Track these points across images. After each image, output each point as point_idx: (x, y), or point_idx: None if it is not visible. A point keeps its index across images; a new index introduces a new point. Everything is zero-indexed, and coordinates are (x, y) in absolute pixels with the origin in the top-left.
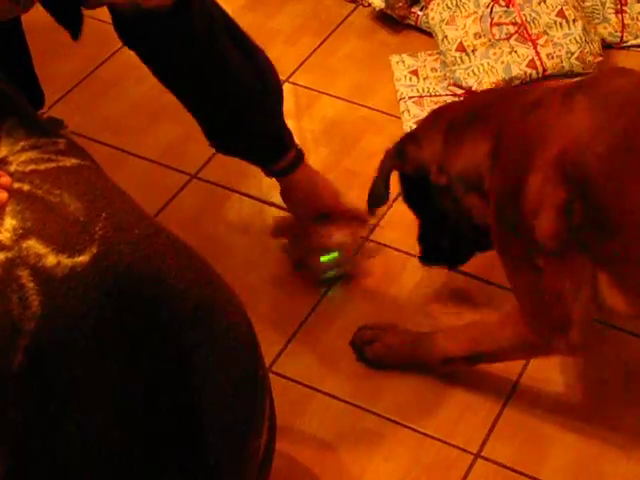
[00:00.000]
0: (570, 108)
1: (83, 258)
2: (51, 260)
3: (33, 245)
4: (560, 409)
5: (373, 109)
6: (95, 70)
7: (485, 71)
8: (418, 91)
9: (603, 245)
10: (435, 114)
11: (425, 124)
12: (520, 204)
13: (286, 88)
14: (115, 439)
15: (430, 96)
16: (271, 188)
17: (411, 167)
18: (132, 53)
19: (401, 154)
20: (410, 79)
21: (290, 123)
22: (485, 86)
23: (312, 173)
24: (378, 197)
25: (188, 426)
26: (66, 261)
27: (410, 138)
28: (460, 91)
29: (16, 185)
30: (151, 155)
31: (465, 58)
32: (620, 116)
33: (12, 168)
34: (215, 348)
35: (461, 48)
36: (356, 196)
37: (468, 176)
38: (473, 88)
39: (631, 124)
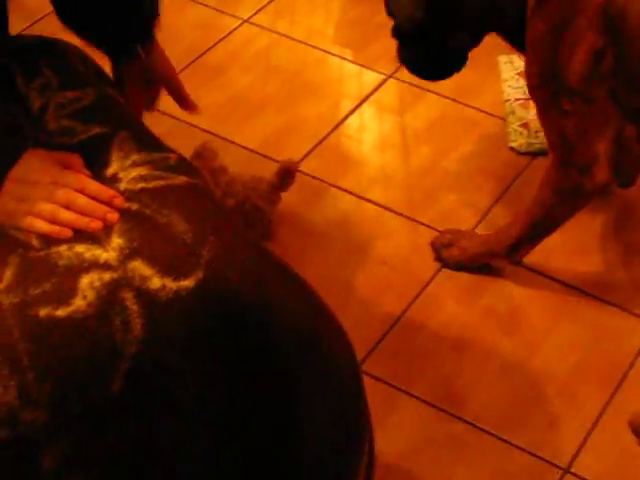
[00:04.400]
0: None
1: (188, 282)
2: (156, 283)
3: (139, 266)
4: None
5: (477, 109)
6: (200, 57)
7: None
8: (525, 93)
9: (631, 99)
10: None
11: None
12: (560, 41)
13: (390, 84)
14: (211, 467)
15: None
16: (370, 184)
17: None
18: (236, 43)
19: None
20: (518, 80)
21: (392, 119)
22: None
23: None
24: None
25: (286, 457)
26: (171, 284)
27: None
28: None
29: (126, 204)
30: (251, 145)
31: None
32: None
33: (122, 186)
34: (318, 380)
35: None
36: (453, 199)
37: None
38: None
39: None
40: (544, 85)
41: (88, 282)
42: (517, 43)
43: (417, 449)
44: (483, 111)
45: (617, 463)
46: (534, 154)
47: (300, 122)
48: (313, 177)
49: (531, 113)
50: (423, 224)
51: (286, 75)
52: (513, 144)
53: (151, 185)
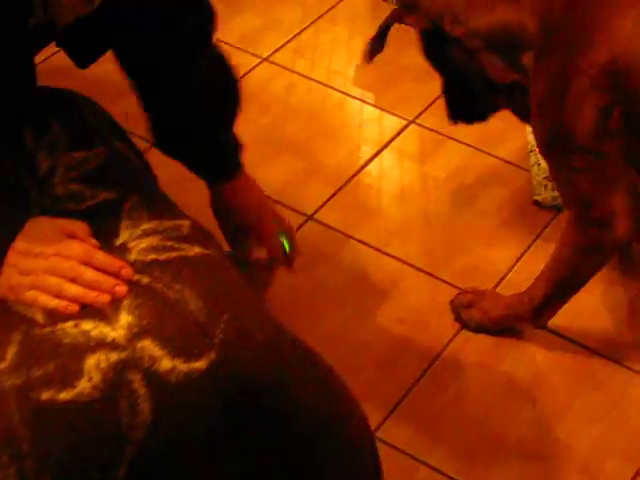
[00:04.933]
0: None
1: (200, 364)
2: (166, 364)
3: (148, 346)
4: None
5: (501, 159)
6: None
7: None
8: None
9: None
10: None
11: None
12: (564, 101)
13: (412, 130)
14: None
15: None
16: (390, 236)
17: (422, 17)
18: (255, 82)
19: (407, 4)
20: None
21: (413, 167)
22: None
23: (247, 186)
24: (372, 45)
25: None
26: (182, 366)
27: None
28: None
29: (135, 277)
30: (269, 191)
31: None
32: None
33: (132, 257)
34: (336, 463)
35: None
36: (475, 255)
37: (493, 36)
38: None
39: None
40: (553, 145)
41: (94, 363)
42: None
43: None
44: (507, 161)
45: None
46: (559, 209)
47: (318, 168)
48: (330, 227)
49: None
50: (443, 281)
51: (305, 117)
52: (537, 197)
53: (163, 257)
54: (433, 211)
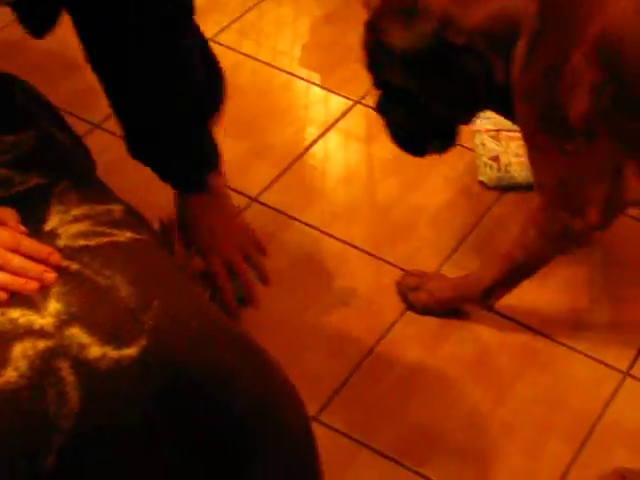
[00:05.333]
0: None
1: (131, 351)
2: (95, 352)
3: (77, 334)
4: None
5: None
6: None
7: None
8: (495, 124)
9: (632, 130)
10: None
11: None
12: (558, 80)
13: (357, 110)
14: None
15: (508, 130)
16: (334, 218)
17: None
18: None
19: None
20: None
21: (359, 148)
22: None
23: (216, 207)
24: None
25: None
26: (112, 353)
27: None
28: None
29: (64, 263)
30: None
31: None
32: None
33: (61, 243)
34: (270, 447)
35: None
36: (420, 236)
37: (494, 28)
38: None
39: None
40: (543, 130)
41: (21, 351)
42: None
43: None
44: None
45: None
46: (503, 189)
47: (263, 149)
48: (274, 209)
49: (502, 146)
50: (388, 262)
51: (250, 98)
52: (482, 178)
53: (93, 243)
54: (379, 191)
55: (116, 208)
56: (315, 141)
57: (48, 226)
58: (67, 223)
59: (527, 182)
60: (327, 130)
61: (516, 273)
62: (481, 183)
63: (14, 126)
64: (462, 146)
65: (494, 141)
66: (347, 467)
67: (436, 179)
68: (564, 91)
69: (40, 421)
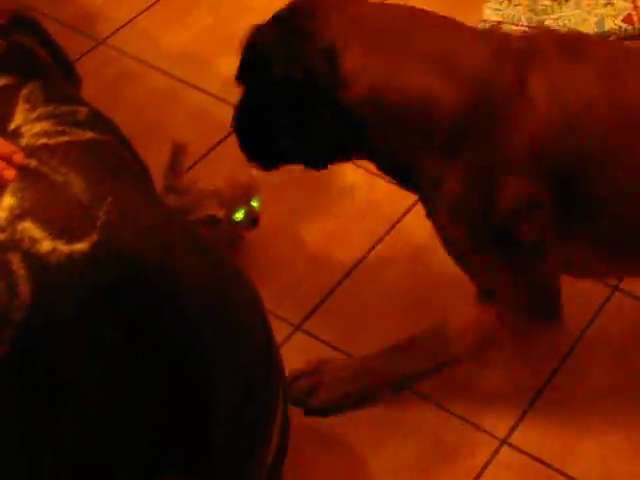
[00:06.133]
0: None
1: (82, 245)
2: (46, 246)
3: (29, 228)
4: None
5: None
6: None
7: (576, 23)
8: (502, 16)
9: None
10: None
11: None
12: (494, 205)
13: None
14: (108, 436)
15: (512, 24)
16: None
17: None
18: None
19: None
20: (501, 3)
21: None
22: None
23: None
24: None
25: (193, 425)
26: (63, 248)
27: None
28: None
29: (24, 161)
30: (211, 89)
31: (556, 7)
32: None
33: (24, 141)
34: (225, 347)
35: None
36: None
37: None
38: None
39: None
40: (482, 244)
41: None
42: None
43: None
44: None
45: None
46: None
47: None
48: None
49: None
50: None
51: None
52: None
53: (53, 141)
54: None
55: (82, 110)
56: None
57: (13, 125)
58: (31, 122)
59: None
60: None
61: (442, 367)
62: None
63: None
64: None
65: None
66: None
67: None
68: (503, 205)
69: None
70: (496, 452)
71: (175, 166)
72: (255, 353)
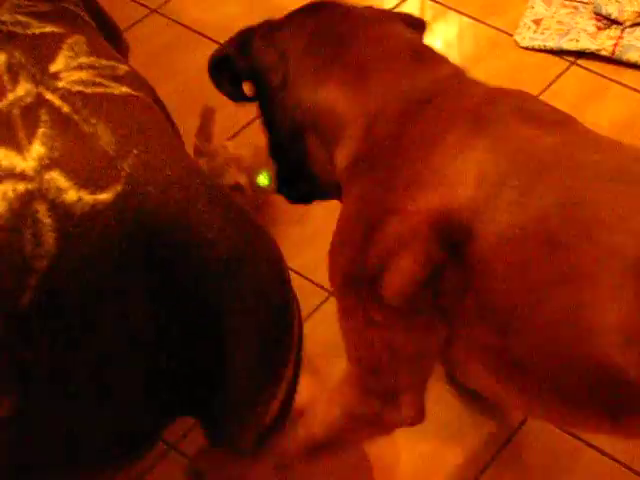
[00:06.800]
0: (472, 148)
1: (106, 196)
2: (72, 195)
3: (56, 178)
4: None
5: (499, 30)
6: None
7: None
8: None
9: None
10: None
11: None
12: (374, 238)
13: (413, 0)
14: (132, 380)
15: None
16: None
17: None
18: None
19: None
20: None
21: None
22: (626, 16)
23: None
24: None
25: (211, 369)
26: (87, 197)
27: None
28: (598, 23)
29: (57, 103)
30: None
31: None
32: (537, 181)
33: (60, 84)
34: (244, 301)
35: None
36: None
37: (316, 117)
38: (613, 16)
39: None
40: (351, 283)
41: (1, 193)
42: None
43: None
44: (505, 32)
45: None
46: (536, 50)
47: None
48: None
49: (550, 12)
50: None
51: None
52: (517, 37)
53: (89, 90)
54: None
55: (121, 67)
56: None
57: (54, 68)
58: (71, 69)
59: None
60: None
61: (315, 453)
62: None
63: None
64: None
65: (544, 3)
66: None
67: (485, 69)
68: (380, 252)
69: (16, 261)
70: None
71: (204, 129)
72: (271, 310)
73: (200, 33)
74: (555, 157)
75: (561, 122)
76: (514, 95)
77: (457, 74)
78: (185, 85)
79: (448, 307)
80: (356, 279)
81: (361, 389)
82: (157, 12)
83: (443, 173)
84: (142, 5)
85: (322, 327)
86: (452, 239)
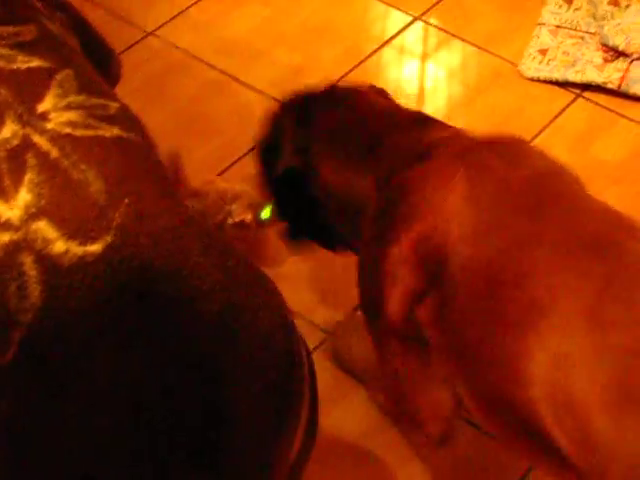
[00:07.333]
0: (452, 184)
1: (95, 247)
2: (59, 247)
3: (43, 228)
4: None
5: (504, 59)
6: None
7: (636, 30)
8: (560, 20)
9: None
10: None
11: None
12: (378, 273)
13: (417, 26)
14: (122, 439)
15: (569, 29)
16: None
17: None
18: None
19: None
20: (560, 7)
21: (414, 64)
22: (633, 48)
23: None
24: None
25: (210, 432)
26: (76, 249)
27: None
28: (605, 55)
29: (45, 147)
30: (259, 85)
31: (617, 13)
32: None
33: (49, 126)
34: (242, 355)
35: (614, 1)
36: None
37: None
38: (620, 48)
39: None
40: (369, 317)
41: None
42: None
43: None
44: (510, 62)
45: None
46: (541, 81)
47: (314, 63)
48: None
49: (556, 42)
50: None
51: (306, 13)
52: (522, 67)
53: (78, 133)
54: (427, 110)
55: (113, 105)
56: (369, 56)
57: (42, 107)
58: (60, 109)
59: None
60: (383, 45)
61: None
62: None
63: (15, 20)
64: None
65: (550, 36)
66: None
67: (487, 101)
68: (383, 284)
69: (0, 315)
70: None
71: (175, 176)
72: (274, 355)
73: (196, 57)
74: (526, 199)
75: (547, 171)
76: (504, 142)
77: (459, 132)
78: (183, 110)
79: (429, 337)
80: (372, 311)
81: (392, 415)
82: (153, 34)
83: (430, 207)
84: (138, 28)
85: (319, 369)
86: (431, 265)
